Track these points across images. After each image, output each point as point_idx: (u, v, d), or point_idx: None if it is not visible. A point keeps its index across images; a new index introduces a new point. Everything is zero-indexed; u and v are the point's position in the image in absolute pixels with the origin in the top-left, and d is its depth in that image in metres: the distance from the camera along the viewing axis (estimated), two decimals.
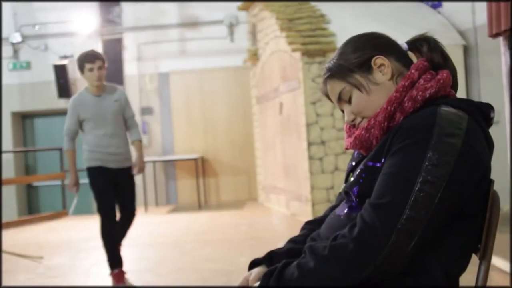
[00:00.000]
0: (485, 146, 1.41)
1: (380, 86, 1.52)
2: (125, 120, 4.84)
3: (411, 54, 1.60)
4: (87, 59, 4.59)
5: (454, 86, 1.54)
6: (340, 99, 1.58)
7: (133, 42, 10.40)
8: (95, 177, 4.71)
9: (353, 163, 1.62)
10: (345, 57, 1.55)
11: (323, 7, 7.74)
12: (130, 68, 10.39)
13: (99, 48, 10.35)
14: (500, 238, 3.78)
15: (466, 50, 7.21)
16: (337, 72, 1.56)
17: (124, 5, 10.42)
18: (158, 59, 10.34)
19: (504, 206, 5.19)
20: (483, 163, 1.39)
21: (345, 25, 7.29)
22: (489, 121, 1.48)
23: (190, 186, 10.27)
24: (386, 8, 7.84)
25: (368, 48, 1.54)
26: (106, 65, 4.72)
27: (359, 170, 1.50)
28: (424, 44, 1.56)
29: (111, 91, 4.80)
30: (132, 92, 10.27)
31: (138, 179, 10.37)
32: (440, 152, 1.32)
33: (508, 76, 4.22)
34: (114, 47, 10.44)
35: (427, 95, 1.45)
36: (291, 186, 8.11)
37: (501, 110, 5.78)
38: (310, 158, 7.17)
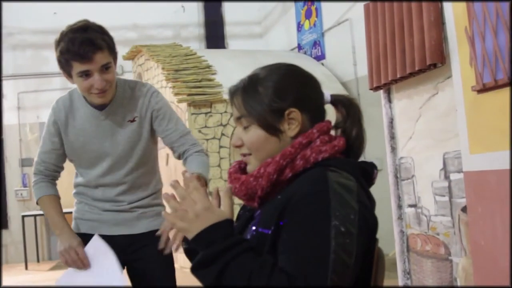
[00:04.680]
0: (370, 205, 1.43)
1: (281, 138, 1.48)
2: (166, 144, 2.65)
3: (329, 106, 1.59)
4: (74, 53, 2.28)
5: (357, 154, 1.55)
6: (239, 118, 1.52)
7: (12, 90, 9.99)
8: None
9: (241, 212, 1.61)
10: (266, 91, 1.49)
11: (209, 58, 7.77)
12: (9, 117, 9.94)
13: None
14: (391, 283, 3.87)
15: None
16: (249, 98, 1.50)
17: (3, 51, 10.04)
18: (40, 108, 9.96)
19: (390, 252, 5.30)
20: (374, 220, 1.41)
21: (231, 75, 7.33)
22: (371, 181, 1.50)
23: None
24: (271, 59, 7.95)
25: (291, 97, 1.48)
26: (116, 54, 2.43)
27: (249, 235, 1.44)
28: (344, 106, 1.57)
29: (127, 98, 2.54)
30: (11, 143, 9.82)
31: (16, 234, 9.99)
32: (343, 218, 1.30)
33: None
34: None
35: (319, 159, 1.43)
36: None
37: (383, 158, 5.97)
38: None
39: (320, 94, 1.55)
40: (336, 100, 1.58)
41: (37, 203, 2.61)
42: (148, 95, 2.55)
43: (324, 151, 1.44)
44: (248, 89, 1.51)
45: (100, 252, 2.47)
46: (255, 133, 1.49)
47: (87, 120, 2.52)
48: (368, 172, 1.48)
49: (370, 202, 1.43)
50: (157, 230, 2.47)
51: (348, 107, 1.56)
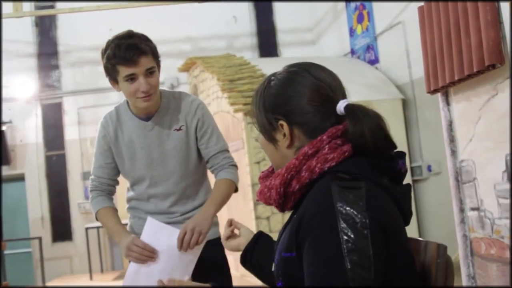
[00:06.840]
0: (390, 207, 1.35)
1: (277, 147, 1.48)
2: (203, 156, 2.70)
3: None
4: (120, 57, 2.40)
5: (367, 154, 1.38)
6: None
7: (73, 106, 10.26)
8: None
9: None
10: (267, 98, 1.48)
11: (263, 67, 7.82)
12: (70, 132, 10.22)
13: (38, 114, 10.19)
14: None
15: (405, 103, 7.36)
16: (256, 102, 1.51)
17: (63, 69, 10.31)
18: (99, 123, 10.19)
19: (453, 255, 5.23)
20: (392, 227, 1.32)
21: None
22: (397, 174, 1.41)
23: None
24: (324, 65, 7.96)
25: (280, 109, 1.45)
26: (159, 61, 2.53)
27: (276, 260, 1.43)
28: (352, 115, 1.40)
29: (172, 108, 2.61)
30: (73, 157, 10.08)
31: (81, 245, 10.22)
32: (353, 231, 1.25)
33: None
34: (54, 112, 10.28)
35: (325, 169, 1.37)
36: None
37: (442, 162, 5.88)
38: (257, 217, 7.11)
39: (320, 106, 1.45)
40: (349, 110, 1.41)
41: (96, 218, 2.64)
42: (194, 105, 2.62)
43: (331, 159, 1.37)
44: (258, 91, 1.52)
45: (157, 232, 2.44)
46: (261, 138, 1.52)
47: (135, 132, 2.60)
48: (390, 167, 1.39)
49: (394, 200, 1.36)
50: (210, 240, 2.54)
51: (358, 115, 1.39)
